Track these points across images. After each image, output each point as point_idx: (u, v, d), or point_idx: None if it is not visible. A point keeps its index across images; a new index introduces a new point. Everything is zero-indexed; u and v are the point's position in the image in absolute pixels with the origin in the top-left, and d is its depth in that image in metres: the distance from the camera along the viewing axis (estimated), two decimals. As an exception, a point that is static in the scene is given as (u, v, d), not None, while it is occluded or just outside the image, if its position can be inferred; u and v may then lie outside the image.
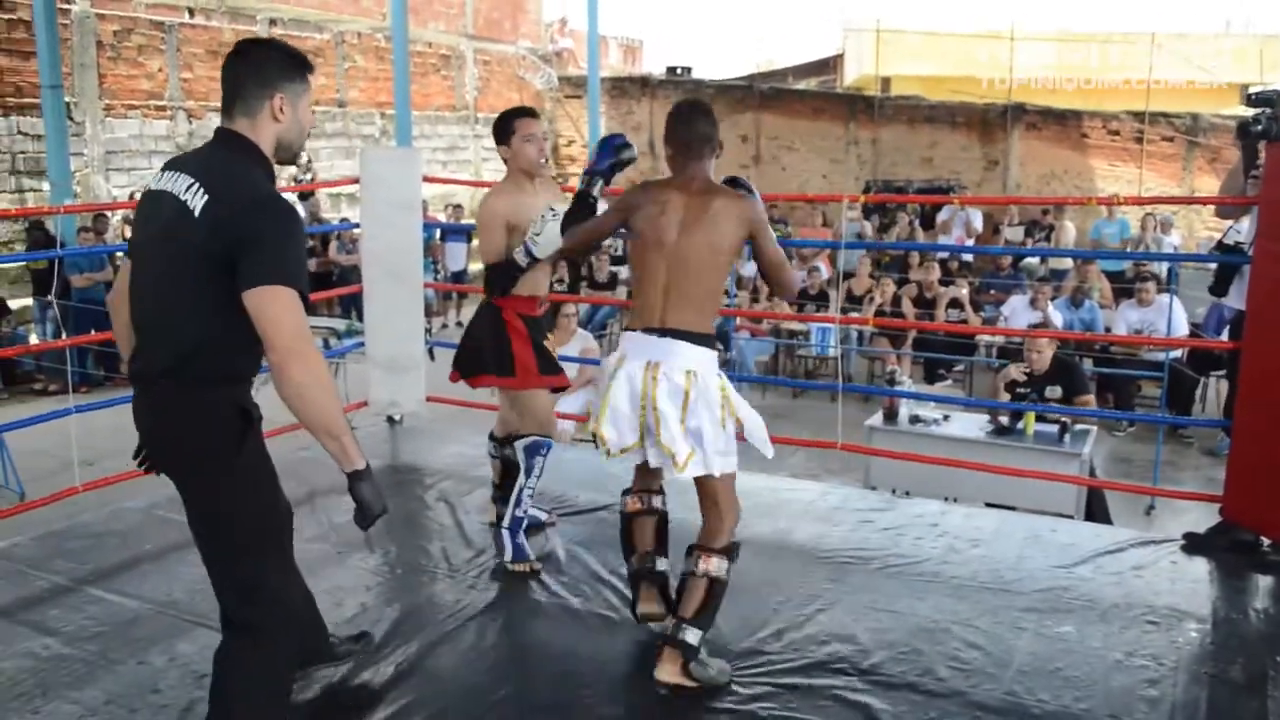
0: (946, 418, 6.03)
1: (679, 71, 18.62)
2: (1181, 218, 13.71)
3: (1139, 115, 15.14)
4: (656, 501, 3.09)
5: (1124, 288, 9.96)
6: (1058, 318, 8.87)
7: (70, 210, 8.26)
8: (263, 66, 2.27)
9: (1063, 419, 5.60)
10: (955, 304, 9.83)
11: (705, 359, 2.77)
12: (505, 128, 3.65)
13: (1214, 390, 8.39)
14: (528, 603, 3.41)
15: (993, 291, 11.10)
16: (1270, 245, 3.59)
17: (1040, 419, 5.67)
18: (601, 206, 3.32)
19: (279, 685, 2.37)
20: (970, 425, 5.90)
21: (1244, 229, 3.95)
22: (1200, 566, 3.73)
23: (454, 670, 3.00)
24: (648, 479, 3.07)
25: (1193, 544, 3.86)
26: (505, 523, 3.64)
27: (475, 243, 11.69)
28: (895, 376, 6.48)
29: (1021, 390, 6.01)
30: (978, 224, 13.66)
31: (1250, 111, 3.65)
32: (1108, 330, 8.86)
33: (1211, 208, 5.04)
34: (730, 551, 2.83)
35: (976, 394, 8.76)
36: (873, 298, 9.92)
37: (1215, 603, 3.46)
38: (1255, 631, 3.27)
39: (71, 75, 11.56)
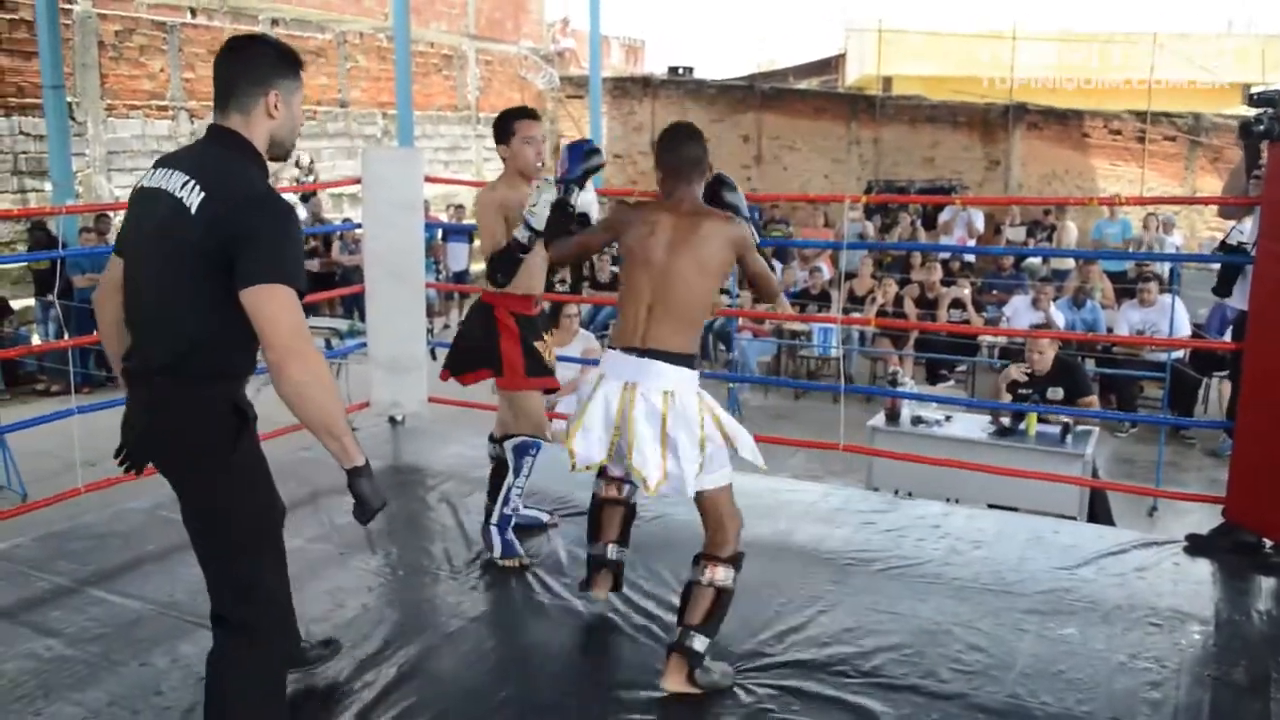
0: (948, 418, 6.03)
1: (681, 72, 18.60)
2: (1183, 218, 13.70)
3: (1141, 115, 15.12)
4: (627, 491, 3.21)
5: (1126, 288, 9.95)
6: (1060, 318, 8.86)
7: (72, 210, 8.26)
8: (256, 63, 2.27)
9: (1065, 420, 5.60)
10: (957, 304, 9.82)
11: (684, 379, 2.78)
12: (505, 128, 3.66)
13: (1216, 391, 8.38)
14: (530, 604, 3.41)
15: (995, 292, 11.10)
16: (1272, 245, 3.59)
17: (1042, 420, 5.66)
18: (594, 208, 3.32)
19: (275, 685, 2.37)
20: (972, 426, 5.89)
21: (1246, 229, 3.94)
22: (1203, 568, 3.72)
23: (455, 671, 3.00)
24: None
25: (1195, 545, 3.85)
26: (493, 520, 3.67)
27: (477, 243, 11.68)
28: (897, 377, 6.47)
29: (1024, 391, 6.01)
30: (979, 224, 13.66)
31: (1252, 111, 3.65)
32: (1110, 331, 8.85)
33: (1214, 208, 5.05)
34: (736, 561, 2.84)
35: (978, 395, 8.75)
36: (875, 298, 9.91)
37: (1218, 604, 3.46)
38: (1258, 633, 3.27)
39: (73, 75, 11.56)
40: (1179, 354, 8.15)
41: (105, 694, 2.82)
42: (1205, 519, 4.25)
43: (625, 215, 2.96)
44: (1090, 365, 8.22)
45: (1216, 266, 4.27)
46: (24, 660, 2.99)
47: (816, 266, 10.92)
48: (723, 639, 3.04)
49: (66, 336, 8.31)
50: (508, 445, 3.67)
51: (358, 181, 5.37)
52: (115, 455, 2.39)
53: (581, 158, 3.28)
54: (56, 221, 9.69)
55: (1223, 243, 4.29)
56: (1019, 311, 8.99)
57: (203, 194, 2.13)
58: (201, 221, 2.12)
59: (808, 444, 5.37)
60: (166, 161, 2.27)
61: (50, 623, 3.23)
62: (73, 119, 11.37)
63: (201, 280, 2.13)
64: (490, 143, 3.90)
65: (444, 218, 13.20)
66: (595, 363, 4.37)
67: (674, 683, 2.79)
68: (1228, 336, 5.14)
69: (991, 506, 4.97)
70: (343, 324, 8.83)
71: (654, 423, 2.72)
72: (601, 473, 3.20)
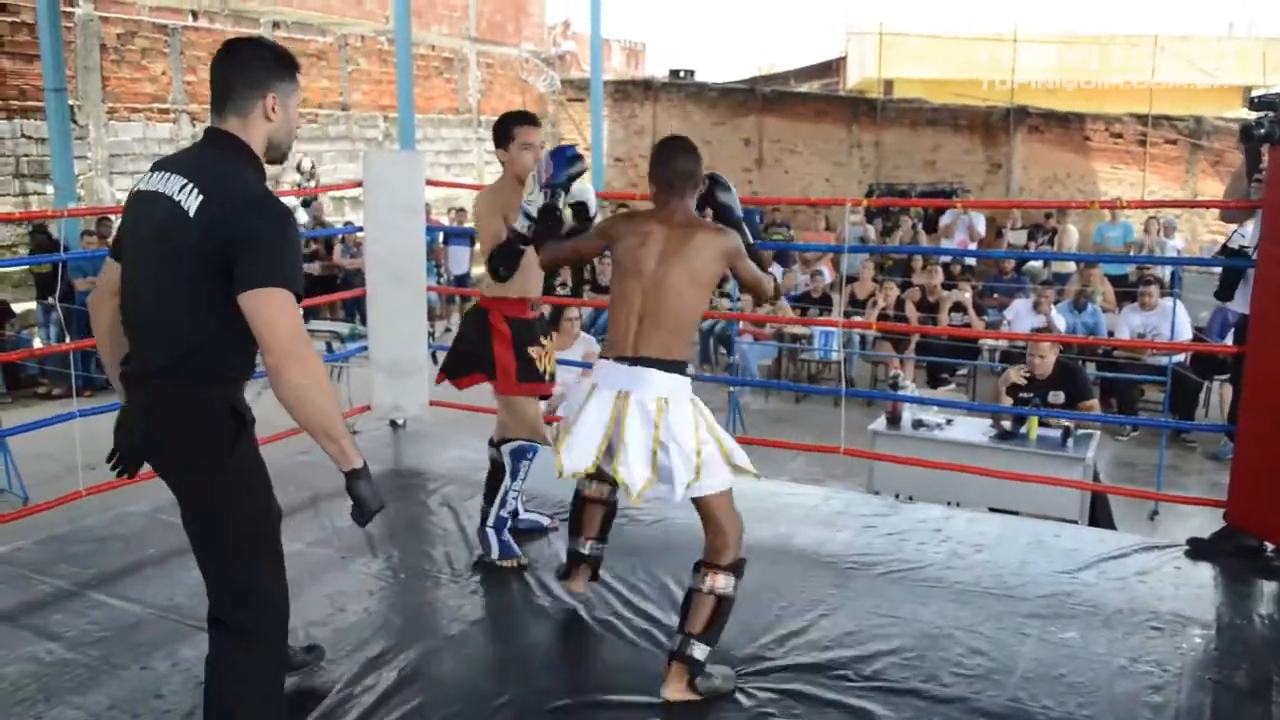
0: (950, 422, 6.02)
1: (682, 75, 18.61)
2: (1185, 221, 13.70)
3: (1142, 118, 15.14)
4: (608, 492, 3.28)
5: (1127, 291, 9.96)
6: (1061, 321, 8.86)
7: (74, 214, 8.27)
8: (254, 66, 2.27)
9: (1066, 423, 5.60)
10: (958, 308, 9.82)
11: (677, 386, 2.80)
12: (505, 132, 3.67)
13: (1217, 394, 8.38)
14: (531, 608, 3.41)
15: (996, 295, 11.10)
16: (1273, 249, 3.59)
17: (1043, 423, 5.66)
18: (589, 196, 3.34)
19: (273, 687, 2.37)
20: (973, 430, 5.89)
21: (1248, 233, 3.94)
22: (1204, 572, 3.72)
23: (456, 675, 3.00)
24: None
25: (1197, 549, 3.85)
26: (489, 522, 3.69)
27: (478, 247, 11.70)
28: (898, 381, 6.47)
29: (1024, 395, 6.01)
30: (980, 227, 13.66)
31: (1253, 115, 3.65)
32: (1111, 334, 8.85)
33: (1215, 211, 5.05)
34: (737, 568, 2.83)
35: (979, 398, 8.75)
36: (875, 302, 9.91)
37: (1219, 608, 3.45)
38: (1260, 637, 3.27)
39: (75, 78, 11.58)
40: (1180, 357, 8.15)
41: (106, 697, 2.82)
42: (1207, 523, 4.25)
43: (618, 224, 2.98)
44: (1091, 369, 8.22)
45: (1218, 270, 4.27)
46: (25, 663, 2.99)
47: (817, 270, 10.91)
48: (724, 643, 3.03)
49: (68, 340, 8.31)
50: (504, 449, 3.68)
51: (359, 185, 5.37)
52: (108, 460, 2.39)
53: (565, 163, 3.30)
54: (58, 225, 9.70)
55: (1224, 246, 4.29)
56: (1020, 315, 8.98)
57: (201, 197, 2.14)
58: (200, 224, 2.12)
59: (809, 448, 5.37)
60: (164, 165, 2.28)
61: (51, 626, 3.23)
62: (74, 122, 11.38)
63: (199, 283, 2.14)
64: (492, 146, 3.90)
65: (445, 221, 13.19)
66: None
67: (675, 690, 2.80)
68: (1229, 340, 5.14)
69: (993, 510, 4.97)
70: (344, 327, 8.84)
71: (646, 431, 2.72)
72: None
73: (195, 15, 13.33)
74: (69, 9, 11.44)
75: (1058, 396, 5.86)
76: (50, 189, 11.02)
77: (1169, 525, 6.00)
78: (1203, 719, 2.76)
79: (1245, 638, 3.25)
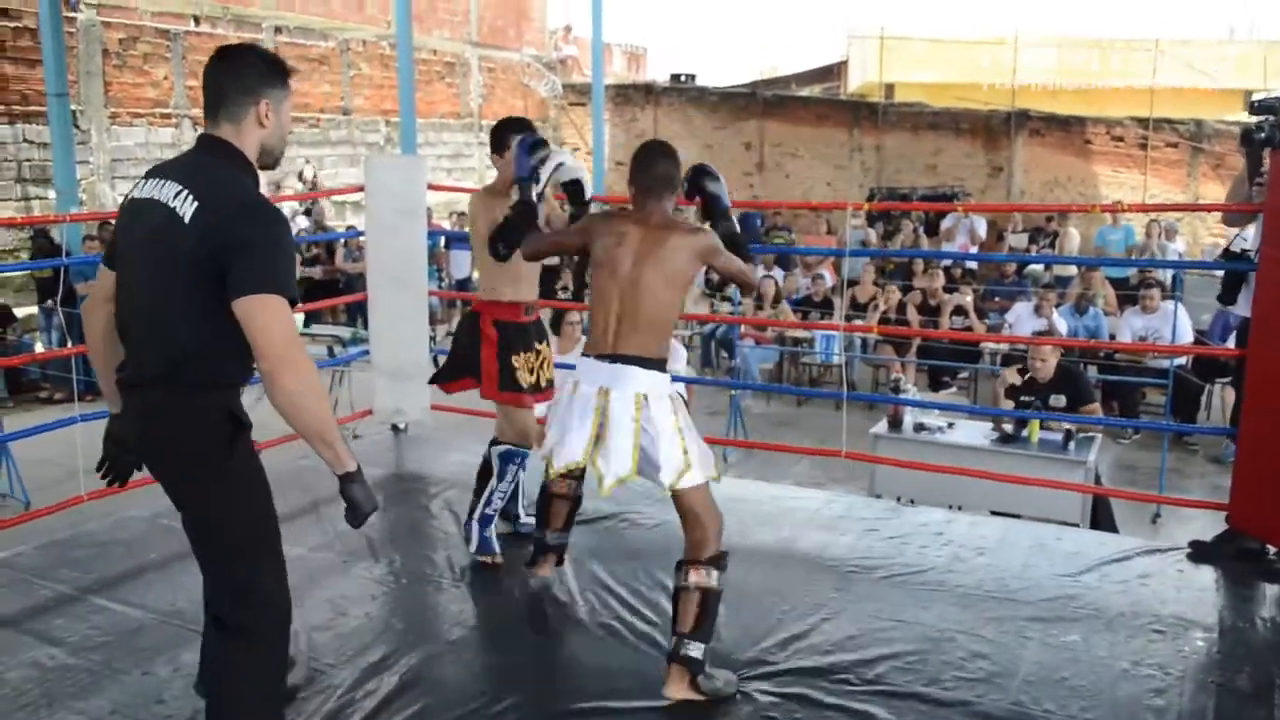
0: (951, 425, 6.01)
1: (683, 79, 18.60)
2: (1186, 224, 13.69)
3: (1143, 121, 15.13)
4: (573, 488, 3.45)
5: (1128, 294, 9.94)
6: (1062, 325, 8.86)
7: (76, 219, 8.25)
8: (246, 73, 2.29)
9: (1067, 427, 5.59)
10: (960, 311, 9.82)
11: (656, 382, 2.87)
12: (501, 139, 3.69)
13: (1219, 397, 8.37)
14: (532, 612, 3.41)
15: (997, 298, 11.09)
16: (1274, 252, 3.59)
17: (1045, 427, 5.66)
18: (582, 173, 3.41)
19: (274, 688, 2.38)
20: (975, 433, 5.89)
21: (1250, 236, 3.95)
22: (1206, 575, 3.72)
23: (458, 680, 3.00)
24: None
25: (1199, 552, 3.85)
26: (475, 516, 3.73)
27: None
28: (900, 384, 6.47)
29: (1026, 398, 6.00)
30: (982, 231, 13.65)
31: (1253, 119, 3.65)
32: (1112, 337, 8.85)
33: (1217, 214, 5.04)
34: (718, 560, 2.87)
35: (981, 401, 8.74)
36: (877, 305, 9.91)
37: (1222, 611, 3.45)
38: (1262, 640, 3.27)
39: (77, 83, 11.59)
40: (1181, 360, 8.15)
41: (108, 702, 2.83)
42: (1208, 525, 4.25)
43: (597, 223, 3.08)
44: (1093, 372, 8.21)
45: (1219, 273, 4.27)
46: (27, 669, 3.00)
47: (819, 274, 10.91)
48: (726, 647, 3.04)
49: (69, 345, 8.31)
50: (494, 451, 3.74)
51: (361, 189, 5.38)
52: (98, 468, 2.40)
53: (528, 152, 3.33)
54: (60, 229, 9.70)
55: (1226, 250, 4.30)
56: (1021, 318, 8.98)
57: (196, 203, 2.15)
58: (195, 230, 2.13)
59: (810, 451, 5.37)
60: (157, 172, 2.29)
61: (53, 631, 3.23)
62: (77, 127, 11.39)
63: (195, 289, 2.15)
64: (493, 150, 3.90)
65: (447, 225, 13.20)
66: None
67: (676, 690, 2.81)
68: (1230, 342, 5.14)
69: (994, 513, 4.96)
70: (345, 331, 8.82)
71: (629, 426, 2.80)
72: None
73: (197, 20, 13.34)
74: (71, 14, 11.45)
75: (1059, 400, 5.85)
76: (52, 194, 11.02)
77: (1171, 528, 5.99)
78: (1205, 722, 2.76)
79: (1248, 641, 3.25)
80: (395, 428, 5.37)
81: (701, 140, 16.74)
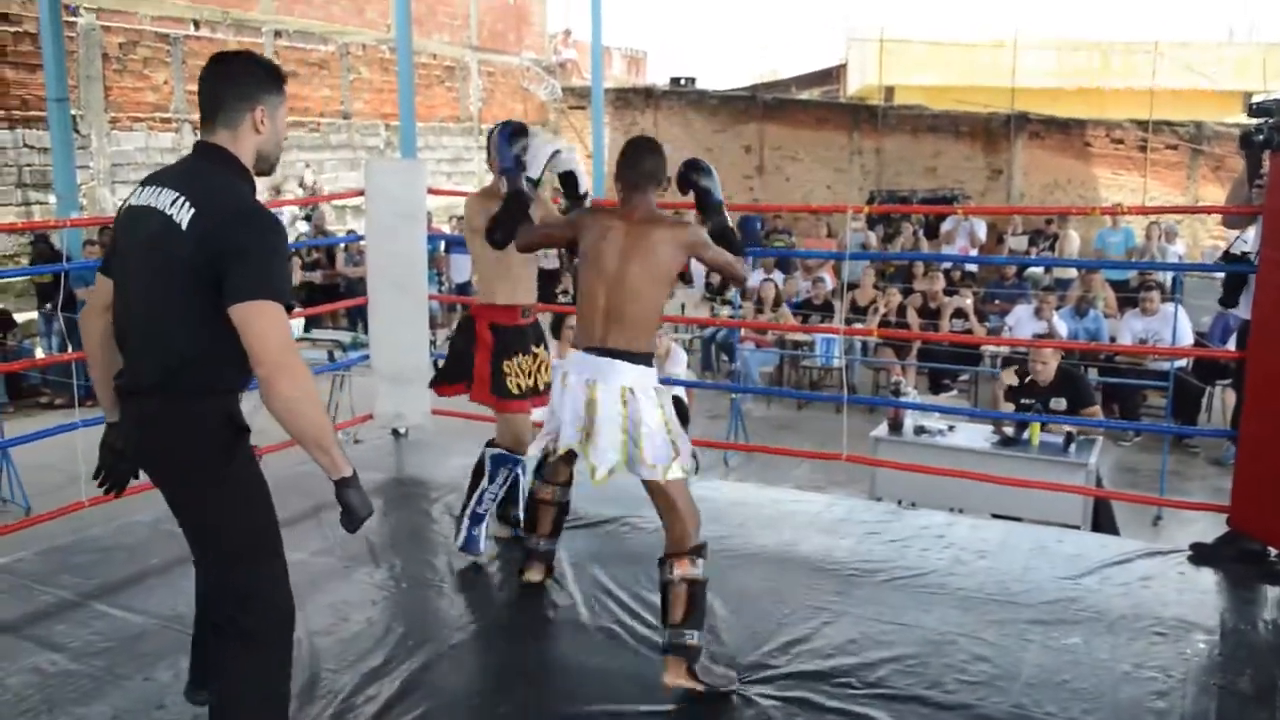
0: (952, 428, 6.01)
1: (683, 82, 18.62)
2: (1186, 227, 13.69)
3: (1142, 124, 15.13)
4: (557, 494, 3.46)
5: (1128, 297, 9.94)
6: (1062, 327, 8.85)
7: (76, 224, 8.26)
8: (242, 79, 2.30)
9: (1068, 429, 5.59)
10: (960, 314, 9.82)
11: (642, 376, 2.92)
12: None
13: (1219, 399, 8.37)
14: (533, 616, 3.41)
15: (997, 301, 11.09)
16: (1275, 254, 3.59)
17: (1045, 429, 5.65)
18: (576, 164, 3.46)
19: (274, 691, 2.37)
20: (975, 436, 5.88)
21: (1250, 238, 3.94)
22: (1208, 577, 3.72)
23: (459, 684, 3.00)
24: (560, 473, 3.41)
25: (1200, 554, 3.84)
26: (465, 512, 3.75)
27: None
28: (900, 387, 6.46)
29: (1026, 401, 6.00)
30: (982, 234, 13.65)
31: (1252, 121, 3.65)
32: (1112, 340, 8.84)
33: (1216, 217, 5.05)
34: (699, 551, 2.91)
35: (981, 404, 8.74)
36: (877, 308, 9.90)
37: (1223, 613, 3.45)
38: (1264, 642, 3.26)
39: (77, 88, 11.60)
40: (1182, 363, 8.14)
41: (109, 708, 2.83)
42: (1210, 528, 4.25)
43: (584, 218, 3.13)
44: (1093, 374, 8.20)
45: (1219, 275, 4.27)
46: (28, 675, 3.00)
47: (819, 277, 10.92)
48: (727, 650, 3.04)
49: (70, 349, 8.31)
50: (488, 453, 3.75)
51: (361, 193, 5.38)
52: (94, 476, 2.40)
53: (508, 141, 3.33)
54: (60, 234, 9.71)
55: (1226, 252, 4.30)
56: (1021, 321, 8.97)
57: (193, 210, 2.16)
58: (193, 237, 2.14)
59: (811, 455, 5.37)
60: (154, 179, 2.30)
61: (54, 637, 3.23)
62: (77, 131, 11.40)
63: (192, 296, 2.16)
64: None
65: (447, 229, 13.19)
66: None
67: (674, 678, 2.83)
68: (1231, 345, 5.14)
69: (995, 516, 4.96)
70: (346, 336, 8.82)
71: (615, 417, 2.85)
72: (539, 474, 3.43)
73: (197, 25, 13.35)
74: (71, 19, 11.47)
75: (1060, 403, 5.85)
76: (52, 199, 11.02)
77: (1172, 530, 5.99)
78: (1207, 725, 2.75)
79: (1249, 643, 3.25)
80: (396, 432, 5.37)
81: (701, 144, 16.73)
